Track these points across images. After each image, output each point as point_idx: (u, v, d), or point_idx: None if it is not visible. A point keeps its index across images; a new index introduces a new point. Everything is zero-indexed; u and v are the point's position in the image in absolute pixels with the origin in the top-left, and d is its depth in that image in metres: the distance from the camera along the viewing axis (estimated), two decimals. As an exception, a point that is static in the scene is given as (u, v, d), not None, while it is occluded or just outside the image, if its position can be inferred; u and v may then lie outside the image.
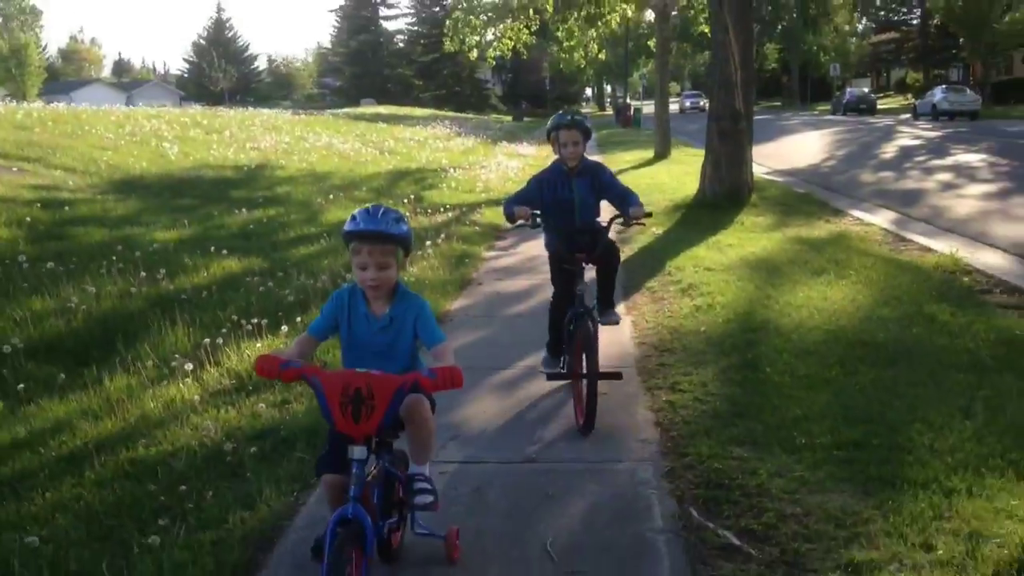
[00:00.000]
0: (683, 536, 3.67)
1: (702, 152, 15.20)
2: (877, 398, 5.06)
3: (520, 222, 5.12)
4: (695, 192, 14.59)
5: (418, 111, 53.16)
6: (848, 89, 58.21)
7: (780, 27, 76.20)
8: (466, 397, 5.40)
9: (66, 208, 10.86)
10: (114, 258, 7.90)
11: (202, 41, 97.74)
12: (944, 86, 45.25)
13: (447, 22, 26.38)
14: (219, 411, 5.04)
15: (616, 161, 21.47)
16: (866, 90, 57.83)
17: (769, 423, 4.74)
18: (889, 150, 24.72)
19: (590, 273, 5.43)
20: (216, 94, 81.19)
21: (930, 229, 11.44)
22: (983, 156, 21.06)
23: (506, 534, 3.75)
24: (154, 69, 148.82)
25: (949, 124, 37.42)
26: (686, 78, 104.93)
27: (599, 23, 25.75)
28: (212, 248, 9.15)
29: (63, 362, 5.78)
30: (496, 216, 13.37)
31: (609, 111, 69.73)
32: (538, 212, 5.17)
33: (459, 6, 26.77)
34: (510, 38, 25.15)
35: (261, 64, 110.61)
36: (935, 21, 63.63)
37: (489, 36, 26.13)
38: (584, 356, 4.88)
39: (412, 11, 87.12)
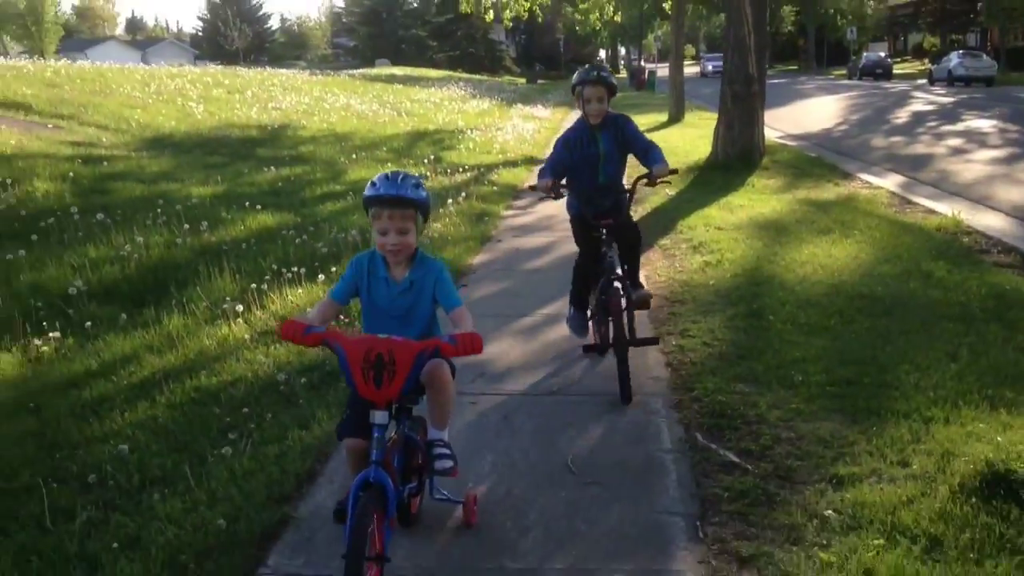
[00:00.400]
0: (689, 455, 4.16)
1: (716, 116, 15.52)
2: (871, 343, 5.51)
3: (545, 195, 5.10)
4: (708, 155, 14.95)
5: (432, 72, 53.24)
6: (864, 53, 57.84)
7: (797, -11, 75.46)
8: (491, 340, 5.89)
9: (105, 164, 11.36)
10: (158, 210, 8.38)
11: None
12: (960, 52, 45.03)
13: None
14: (268, 348, 5.54)
15: (630, 124, 21.68)
16: (882, 55, 57.41)
17: (770, 363, 5.21)
18: (902, 115, 24.90)
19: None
20: (231, 53, 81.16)
21: (936, 193, 11.78)
22: (994, 122, 21.25)
23: (532, 453, 4.24)
24: (167, 27, 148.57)
25: (964, 90, 37.37)
26: (701, 40, 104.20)
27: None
28: (246, 203, 9.63)
29: (121, 304, 6.28)
30: (513, 176, 13.81)
31: (623, 74, 69.53)
32: (562, 182, 5.14)
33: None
34: (527, -1, 25.31)
35: (274, 23, 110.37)
36: (954, -16, 62.98)
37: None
38: (614, 324, 4.90)
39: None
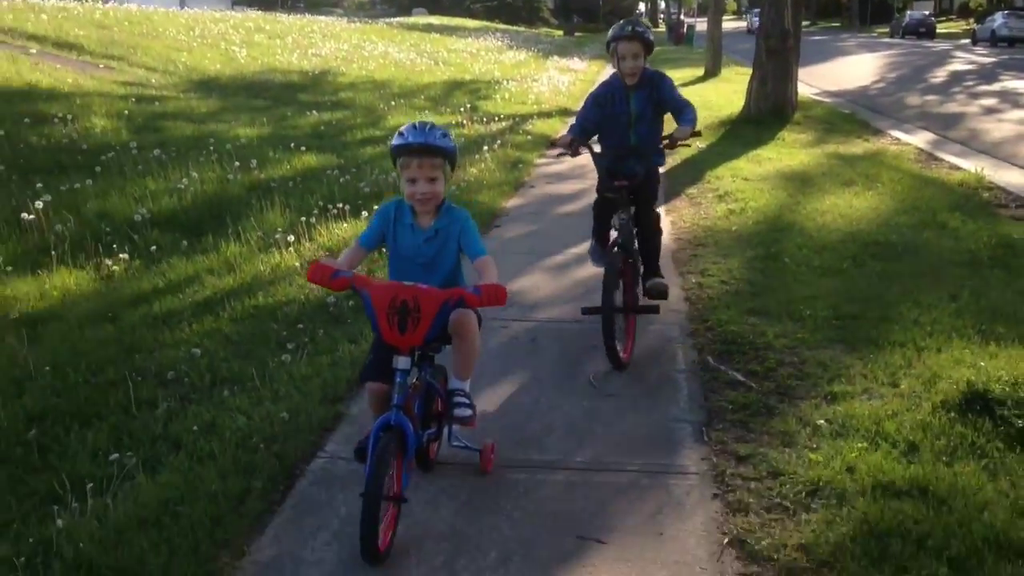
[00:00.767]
0: (700, 375, 4.59)
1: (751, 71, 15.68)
2: (878, 284, 5.88)
3: (563, 152, 4.98)
4: (741, 109, 15.14)
5: (470, 23, 53.11)
6: (908, 12, 56.85)
7: (843, -56, 73.96)
8: (522, 275, 6.35)
9: (156, 104, 11.87)
10: (211, 148, 8.86)
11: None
12: (1006, 11, 44.18)
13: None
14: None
15: (666, 78, 21.81)
16: (926, 13, 56.36)
17: (781, 300, 5.60)
18: (940, 75, 24.75)
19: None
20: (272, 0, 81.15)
21: (964, 150, 11.96)
22: (1033, 83, 21.14)
23: (557, 370, 4.70)
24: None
25: (1007, 51, 36.80)
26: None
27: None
28: (291, 145, 10.08)
29: (181, 233, 6.79)
30: (547, 127, 14.11)
31: (662, 28, 68.84)
32: (585, 141, 5.00)
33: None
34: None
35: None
36: (1004, -59, 61.38)
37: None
38: (623, 289, 4.80)
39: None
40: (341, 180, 8.52)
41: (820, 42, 42.77)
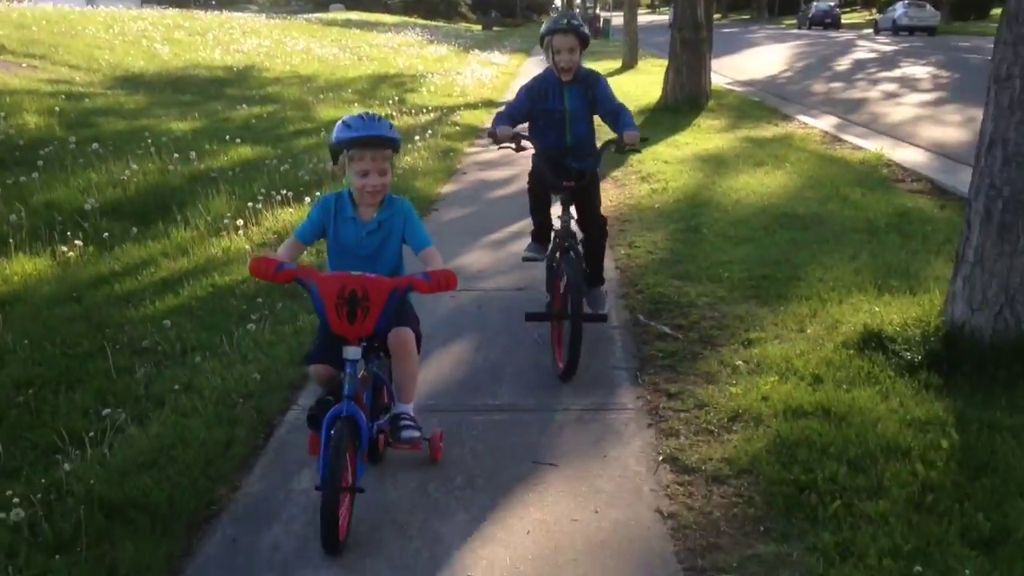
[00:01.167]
0: (633, 330, 5.08)
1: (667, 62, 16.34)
2: (787, 250, 6.47)
3: (504, 145, 4.71)
4: (658, 98, 15.80)
5: (388, 18, 53.17)
6: (814, 3, 58.87)
7: (750, -62, 76.04)
8: (464, 252, 6.77)
9: (86, 100, 11.89)
10: (149, 142, 9.03)
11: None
12: (906, 1, 46.22)
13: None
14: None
15: (585, 69, 22.41)
16: (831, 4, 58.47)
17: (701, 265, 6.14)
18: (844, 63, 25.95)
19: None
20: (180, -3, 79.57)
21: (866, 132, 12.78)
22: (929, 69, 22.38)
23: (503, 333, 5.12)
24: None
25: (907, 39, 38.58)
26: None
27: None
28: (226, 137, 10.28)
29: (129, 221, 6.99)
30: (474, 118, 14.53)
31: (578, 21, 69.62)
32: (524, 133, 4.79)
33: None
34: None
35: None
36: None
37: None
38: (568, 296, 4.42)
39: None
40: (281, 169, 8.79)
41: (731, 34, 44.15)
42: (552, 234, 5.10)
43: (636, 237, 7.07)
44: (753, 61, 27.39)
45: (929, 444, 3.53)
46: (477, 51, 31.86)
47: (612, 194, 8.88)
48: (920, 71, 22.02)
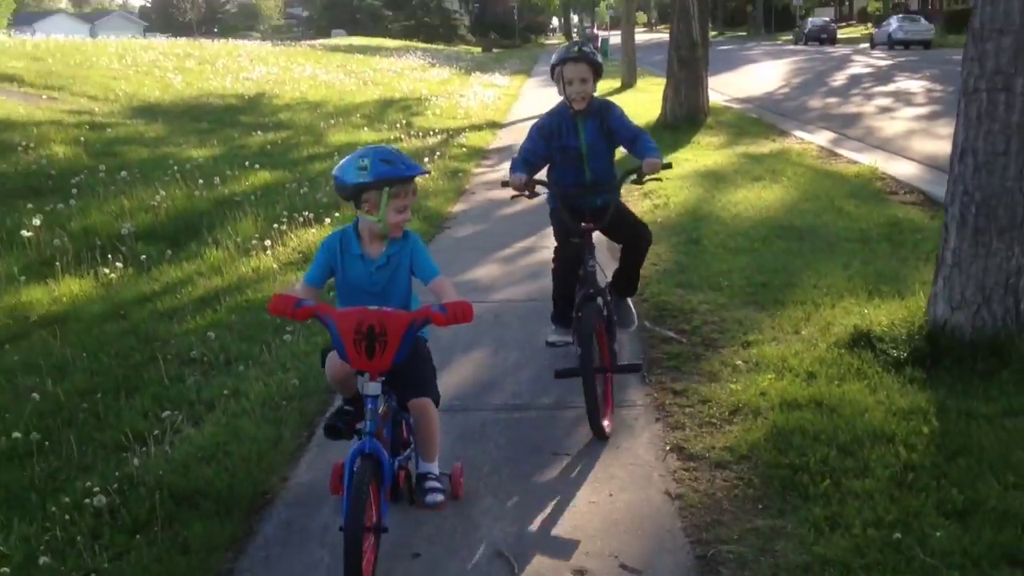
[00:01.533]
0: (639, 335, 5.46)
1: (665, 81, 16.81)
2: (784, 259, 6.86)
3: (517, 194, 4.46)
4: (658, 116, 16.25)
5: (389, 43, 53.83)
6: (809, 19, 59.55)
7: (746, -44, 76.96)
8: (478, 266, 7.17)
9: (108, 130, 12.38)
10: (174, 168, 9.47)
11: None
12: (900, 15, 46.81)
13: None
14: (297, 274, 6.74)
15: (586, 90, 22.89)
16: (827, 19, 59.15)
17: (702, 274, 6.53)
18: (840, 78, 26.43)
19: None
20: (183, 25, 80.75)
21: (861, 146, 13.20)
22: (923, 83, 22.83)
23: (519, 339, 5.52)
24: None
25: (902, 53, 39.05)
26: (653, 8, 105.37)
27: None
28: (245, 163, 10.73)
29: (163, 244, 7.43)
30: (479, 139, 14.98)
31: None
32: (539, 178, 4.54)
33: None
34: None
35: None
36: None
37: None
38: (598, 347, 4.21)
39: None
40: (300, 192, 9.22)
41: (727, 52, 44.66)
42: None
43: (640, 250, 7.46)
44: (750, 78, 27.88)
45: (911, 430, 3.91)
46: (478, 73, 32.43)
47: (616, 210, 9.27)
48: (914, 85, 22.47)
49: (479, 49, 63.20)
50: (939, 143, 13.00)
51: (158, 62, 22.27)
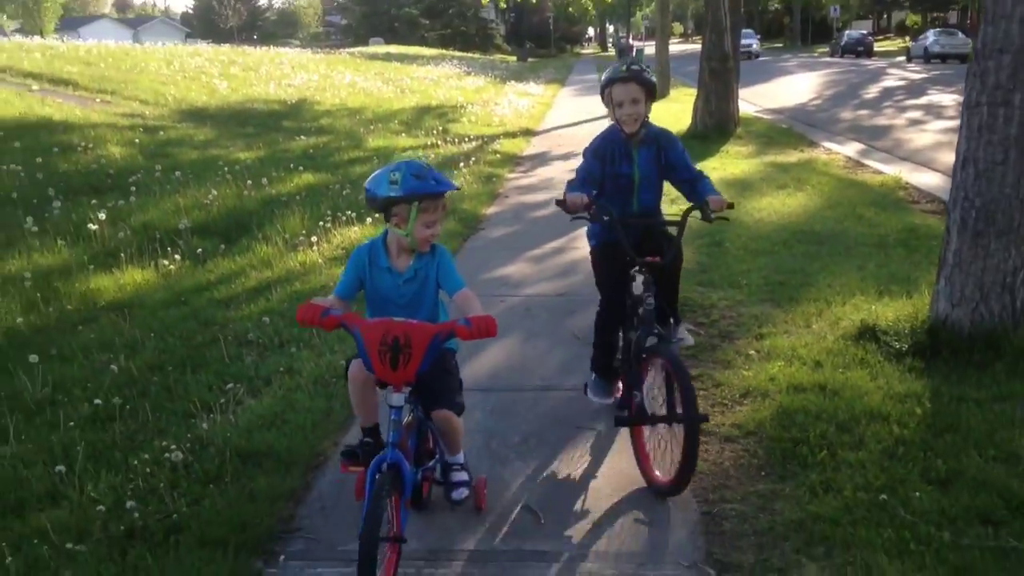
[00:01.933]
0: (660, 328, 5.85)
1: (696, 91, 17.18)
2: (802, 261, 7.23)
3: (577, 216, 4.07)
4: (688, 126, 16.61)
5: (426, 51, 54.59)
6: (846, 31, 59.47)
7: (783, -32, 77.00)
8: (511, 264, 7.60)
9: (160, 133, 12.99)
10: (224, 170, 10.02)
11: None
12: (937, 29, 46.73)
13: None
14: (340, 268, 7.20)
15: (619, 99, 23.32)
16: (864, 32, 59.05)
17: (723, 274, 6.92)
18: (873, 91, 26.59)
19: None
20: (224, 32, 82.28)
21: (888, 157, 13.48)
22: (956, 96, 22.90)
23: (547, 329, 5.94)
24: (155, 4, 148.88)
25: (938, 67, 39.05)
26: (689, 18, 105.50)
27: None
28: (290, 165, 11.27)
29: (216, 239, 7.93)
30: (513, 146, 15.42)
31: (611, 51, 70.98)
32: (600, 200, 4.11)
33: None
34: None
35: (266, 1, 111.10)
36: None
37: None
38: (672, 393, 3.72)
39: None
40: (343, 193, 9.72)
41: (762, 63, 44.88)
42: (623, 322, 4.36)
43: (666, 252, 7.85)
44: (784, 89, 28.12)
45: (906, 411, 4.28)
46: (513, 82, 32.92)
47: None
48: (947, 98, 22.61)
49: (514, 58, 63.72)
50: (964, 154, 13.24)
51: (204, 68, 23.01)
